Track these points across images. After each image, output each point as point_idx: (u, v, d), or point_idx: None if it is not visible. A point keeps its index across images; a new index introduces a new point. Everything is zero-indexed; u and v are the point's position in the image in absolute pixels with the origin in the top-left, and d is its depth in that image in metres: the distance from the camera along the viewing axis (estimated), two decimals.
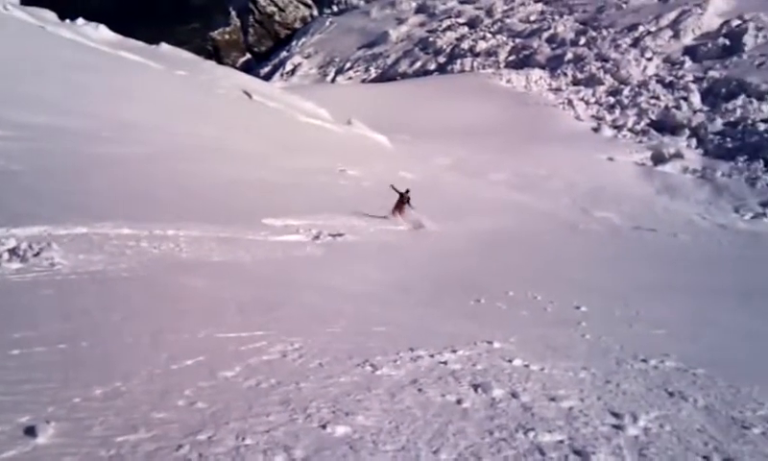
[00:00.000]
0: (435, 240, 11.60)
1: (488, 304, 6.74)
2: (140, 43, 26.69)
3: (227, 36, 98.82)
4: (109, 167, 10.24)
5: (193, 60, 27.38)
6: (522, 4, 59.59)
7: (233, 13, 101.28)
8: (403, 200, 12.92)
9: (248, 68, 77.62)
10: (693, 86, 35.30)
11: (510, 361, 4.15)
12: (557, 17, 52.14)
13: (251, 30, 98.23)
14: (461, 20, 60.42)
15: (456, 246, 11.34)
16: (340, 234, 9.76)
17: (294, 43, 78.80)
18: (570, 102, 37.59)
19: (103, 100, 16.13)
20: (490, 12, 59.51)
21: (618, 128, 33.74)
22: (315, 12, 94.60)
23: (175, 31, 74.77)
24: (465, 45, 53.33)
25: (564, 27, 49.38)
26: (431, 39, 57.80)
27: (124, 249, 6.18)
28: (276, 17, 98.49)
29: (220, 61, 66.29)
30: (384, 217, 12.38)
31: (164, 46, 27.55)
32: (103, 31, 26.14)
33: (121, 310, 4.20)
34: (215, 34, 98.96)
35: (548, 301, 7.18)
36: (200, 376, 3.16)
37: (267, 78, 65.41)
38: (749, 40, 37.61)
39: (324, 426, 2.75)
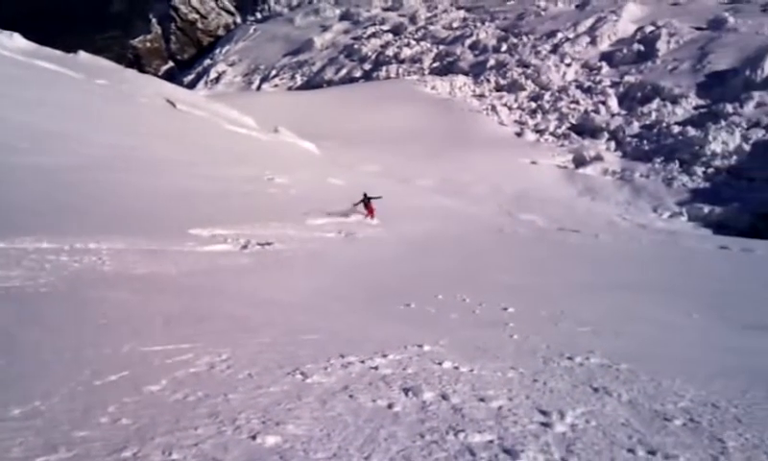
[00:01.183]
0: (364, 246, 11.61)
1: (418, 309, 6.78)
2: (57, 52, 25.81)
3: (148, 44, 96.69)
4: (28, 179, 9.86)
5: (113, 69, 26.65)
6: (445, 11, 60.47)
7: (154, 21, 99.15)
8: (366, 201, 14.46)
9: (171, 76, 76.16)
10: (610, 91, 36.50)
11: (440, 364, 4.17)
12: (479, 24, 53.07)
13: (172, 37, 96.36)
14: (385, 27, 60.84)
15: (386, 251, 11.38)
16: (269, 243, 9.65)
17: (217, 51, 77.76)
18: (494, 107, 38.30)
19: (19, 111, 15.51)
20: (413, 20, 60.13)
21: (540, 132, 34.57)
22: (238, 20, 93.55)
23: (93, 39, 72.75)
24: (389, 52, 53.71)
25: (486, 34, 50.31)
26: (356, 47, 58.00)
27: (43, 263, 5.96)
28: (199, 25, 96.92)
29: (141, 70, 64.82)
30: (345, 215, 13.91)
31: (82, 55, 26.72)
32: (17, 39, 25.15)
33: (40, 327, 4.04)
34: (136, 41, 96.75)
35: (477, 303, 7.27)
36: (124, 392, 3.06)
37: (191, 86, 64.40)
38: (662, 46, 39.16)
39: (253, 437, 2.70)
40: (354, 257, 10.41)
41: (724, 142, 27.56)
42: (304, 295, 6.98)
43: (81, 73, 22.34)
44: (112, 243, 7.35)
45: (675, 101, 32.90)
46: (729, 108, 29.95)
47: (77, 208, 9.13)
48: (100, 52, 37.77)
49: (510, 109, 38.36)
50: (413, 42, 54.21)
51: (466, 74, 44.52)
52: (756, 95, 30.05)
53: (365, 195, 14.56)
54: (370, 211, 14.50)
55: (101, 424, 2.69)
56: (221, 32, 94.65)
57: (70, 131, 15.07)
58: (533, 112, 37.12)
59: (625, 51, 40.45)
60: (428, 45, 52.72)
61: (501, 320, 6.45)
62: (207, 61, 76.74)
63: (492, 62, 44.58)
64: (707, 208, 23.84)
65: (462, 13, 58.67)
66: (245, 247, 9.27)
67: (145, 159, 14.10)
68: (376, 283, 8.29)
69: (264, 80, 60.74)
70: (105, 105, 18.82)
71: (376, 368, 3.94)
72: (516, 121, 36.76)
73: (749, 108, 29.57)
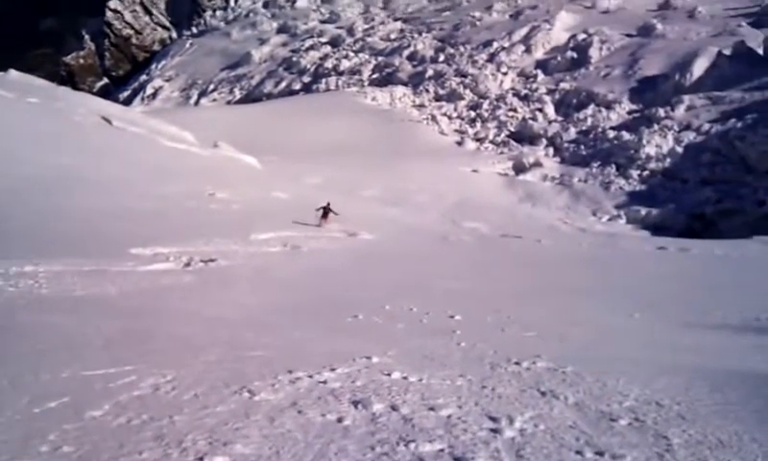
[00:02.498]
0: (310, 259, 11.54)
1: (365, 320, 6.76)
2: None
3: (81, 61, 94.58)
4: None
5: (46, 87, 25.96)
6: (382, 23, 60.84)
7: (87, 37, 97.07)
8: (327, 210, 15.08)
9: (106, 93, 74.64)
10: (547, 98, 37.23)
11: (389, 375, 4.16)
12: (416, 35, 53.50)
13: (107, 54, 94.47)
14: (323, 40, 60.84)
15: (331, 263, 11.34)
16: (212, 260, 9.50)
17: (153, 66, 76.54)
18: (434, 117, 38.64)
19: None
20: (351, 32, 60.30)
21: (480, 140, 35.00)
22: (174, 35, 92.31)
23: (24, 56, 70.91)
24: (328, 64, 53.70)
25: (424, 44, 50.75)
26: (294, 59, 57.83)
27: None
28: (134, 40, 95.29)
29: (75, 87, 63.31)
30: (317, 226, 14.73)
31: (13, 73, 25.95)
32: None
33: None
34: (68, 58, 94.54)
35: (423, 312, 7.30)
36: (65, 418, 2.95)
37: (127, 102, 63.22)
38: (594, 53, 40.17)
39: (200, 459, 2.64)
40: (300, 271, 10.33)
41: (657, 145, 28.37)
42: (250, 311, 6.89)
43: (12, 92, 21.69)
44: (50, 265, 7.14)
45: (609, 106, 33.75)
46: (661, 112, 30.87)
47: (11, 231, 8.84)
48: (32, 70, 36.78)
49: (449, 118, 38.75)
50: (351, 54, 54.36)
51: (405, 85, 44.82)
52: (687, 99, 31.04)
53: (328, 204, 15.37)
54: (326, 219, 15.19)
55: (41, 454, 2.59)
56: (156, 47, 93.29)
57: (2, 151, 14.61)
58: (472, 121, 37.57)
59: (559, 59, 41.36)
60: (367, 57, 52.91)
61: (448, 328, 6.48)
62: (143, 77, 75.50)
63: (430, 73, 45.00)
64: (644, 211, 24.48)
65: (399, 25, 59.10)
66: (188, 264, 9.10)
67: (82, 179, 13.75)
68: (323, 296, 8.25)
69: (202, 94, 60.00)
70: (38, 124, 18.31)
71: (325, 382, 3.91)
72: (455, 130, 37.13)
73: (680, 111, 30.54)
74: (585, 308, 8.69)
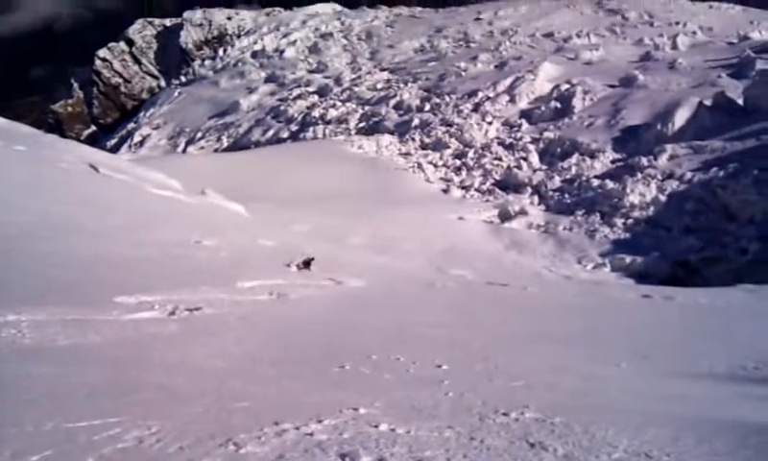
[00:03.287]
0: (297, 307, 11.50)
1: (352, 370, 6.71)
2: None
3: (69, 109, 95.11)
4: None
5: (33, 134, 25.94)
6: (369, 73, 61.66)
7: (76, 85, 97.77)
8: (308, 263, 14.90)
9: (93, 141, 74.93)
10: (531, 147, 37.63)
11: (376, 426, 4.13)
12: (402, 85, 54.21)
13: (95, 102, 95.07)
14: (311, 89, 61.49)
15: (318, 311, 11.29)
16: (198, 308, 9.43)
17: (141, 114, 76.95)
18: (420, 165, 38.90)
19: None
20: (338, 81, 61.02)
21: (466, 188, 35.21)
22: (162, 83, 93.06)
23: (12, 104, 71.21)
24: (316, 113, 54.17)
25: (410, 94, 51.37)
26: (282, 108, 58.32)
27: None
28: (122, 88, 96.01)
29: (63, 135, 63.46)
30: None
31: (0, 120, 25.99)
32: None
33: None
34: (57, 106, 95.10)
35: (411, 361, 7.25)
36: None
37: (114, 150, 63.43)
38: (577, 103, 40.79)
39: None
40: (287, 319, 10.28)
41: (641, 194, 28.63)
42: (236, 360, 6.83)
43: None
44: (33, 314, 7.06)
45: (593, 155, 34.14)
46: (644, 160, 31.24)
47: None
48: (19, 118, 36.82)
49: (435, 166, 39.05)
50: (338, 103, 54.95)
51: (391, 133, 45.28)
52: (669, 148, 31.47)
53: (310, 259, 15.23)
54: (308, 269, 15.01)
55: None
56: (145, 95, 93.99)
57: None
58: (458, 169, 37.87)
59: (543, 108, 41.95)
60: (354, 106, 53.51)
61: (436, 377, 6.45)
62: (131, 125, 75.80)
63: (416, 122, 45.49)
64: (628, 259, 24.59)
65: (385, 75, 59.89)
66: (173, 313, 9.02)
67: (67, 226, 13.69)
68: (310, 345, 8.20)
69: (190, 142, 60.21)
70: (24, 171, 18.27)
71: (311, 434, 3.87)
72: (441, 178, 37.40)
73: (662, 160, 30.92)
74: (572, 357, 8.67)
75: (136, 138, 67.51)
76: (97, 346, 6.54)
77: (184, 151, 58.26)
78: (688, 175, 28.99)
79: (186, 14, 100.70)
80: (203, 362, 6.52)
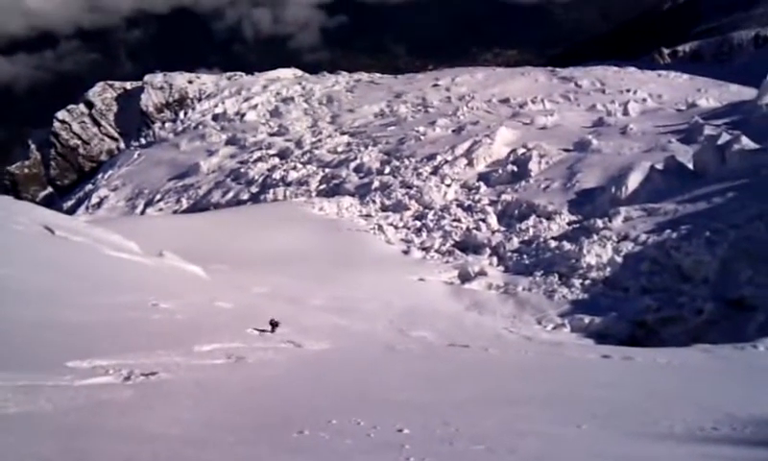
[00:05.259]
0: (255, 370, 11.31)
1: (311, 436, 6.60)
2: None
3: (26, 170, 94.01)
4: None
5: None
6: (329, 136, 62.24)
7: (33, 147, 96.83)
8: (273, 325, 14.66)
9: (50, 202, 73.93)
10: (489, 209, 38.11)
11: None
12: (362, 148, 54.75)
13: (52, 163, 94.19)
14: (271, 152, 61.72)
15: (276, 375, 11.12)
16: (153, 373, 9.22)
17: (100, 176, 76.29)
18: (380, 227, 39.05)
19: None
20: (299, 144, 61.43)
21: (426, 249, 35.36)
22: (122, 145, 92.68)
23: None
24: (276, 175, 54.25)
25: (370, 157, 51.86)
26: (243, 170, 58.34)
27: None
28: (81, 150, 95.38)
29: (18, 196, 62.47)
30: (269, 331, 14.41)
31: None
32: None
33: None
34: (13, 167, 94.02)
35: (371, 426, 7.17)
36: None
37: (71, 211, 62.58)
38: (534, 166, 41.59)
39: None
40: (244, 383, 10.10)
41: (597, 255, 29.05)
42: (192, 427, 6.67)
43: None
44: None
45: (549, 217, 34.69)
46: (599, 222, 31.81)
47: None
48: None
49: (396, 227, 39.26)
50: (299, 166, 55.24)
51: (352, 195, 45.57)
52: (623, 210, 32.13)
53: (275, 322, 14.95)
54: (273, 332, 14.80)
55: None
56: (104, 157, 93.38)
57: None
58: (418, 231, 38.12)
59: (500, 171, 42.67)
60: (314, 168, 53.83)
61: (397, 442, 6.38)
62: (89, 187, 75.03)
63: (376, 184, 45.89)
64: (587, 319, 24.80)
65: (346, 138, 60.48)
66: (128, 378, 8.80)
67: (18, 290, 13.36)
68: (268, 410, 8.05)
69: (148, 204, 59.68)
70: None
71: None
72: (402, 239, 37.56)
73: (617, 222, 31.52)
74: (533, 419, 8.66)
75: (94, 200, 66.74)
76: (49, 413, 6.35)
77: (143, 213, 57.70)
78: (643, 236, 29.58)
79: (147, 77, 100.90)
80: (158, 430, 6.36)
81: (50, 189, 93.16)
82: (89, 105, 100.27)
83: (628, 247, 29.44)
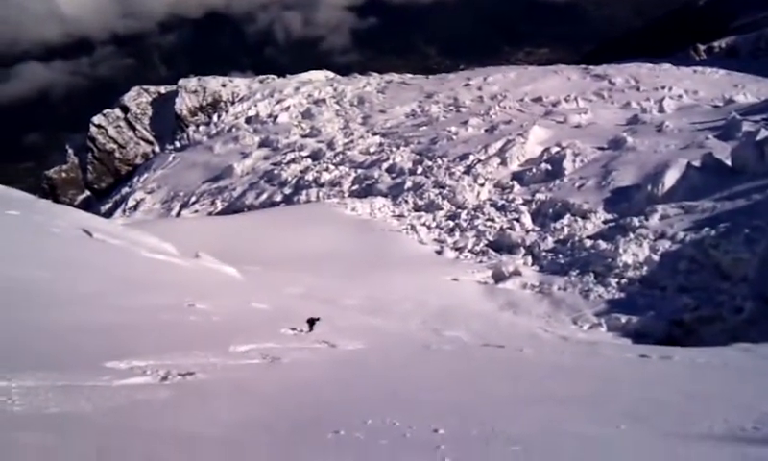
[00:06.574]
0: (290, 371, 11.34)
1: (346, 436, 6.59)
2: None
3: (64, 174, 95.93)
4: None
5: (26, 199, 26.00)
6: (361, 137, 62.38)
7: (70, 151, 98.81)
8: (311, 323, 14.73)
9: (87, 206, 75.30)
10: (523, 208, 37.85)
11: None
12: (394, 149, 54.78)
13: (89, 167, 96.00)
14: (304, 153, 62.06)
15: (311, 375, 11.13)
16: (190, 373, 9.29)
17: (136, 179, 77.46)
18: (413, 227, 39.03)
19: None
20: (331, 145, 61.65)
21: (459, 249, 35.24)
22: (157, 148, 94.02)
23: (6, 170, 71.79)
24: (309, 177, 54.53)
25: (402, 157, 51.88)
26: (276, 172, 58.70)
27: None
28: (117, 154, 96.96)
29: (57, 200, 63.74)
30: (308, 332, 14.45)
31: None
32: None
33: None
34: (51, 172, 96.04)
35: (407, 426, 7.12)
36: None
37: (108, 215, 63.68)
38: (568, 165, 41.20)
39: None
40: (280, 384, 10.13)
41: (634, 254, 28.68)
42: (228, 428, 6.70)
43: None
44: (23, 381, 6.93)
45: (584, 216, 34.32)
46: (635, 221, 31.40)
47: None
48: (13, 183, 36.96)
49: (429, 228, 39.19)
50: (332, 167, 55.43)
51: (384, 196, 45.59)
52: (660, 208, 31.67)
53: (315, 319, 15.04)
54: (311, 330, 14.88)
55: None
56: (139, 160, 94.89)
57: None
58: (451, 231, 37.99)
59: (534, 170, 42.35)
60: (346, 169, 53.98)
61: (432, 442, 6.33)
62: (125, 190, 76.18)
63: (408, 184, 45.86)
64: (624, 318, 24.48)
65: (378, 139, 60.55)
66: (165, 378, 8.87)
67: (59, 292, 13.59)
68: (303, 410, 8.06)
69: (184, 206, 60.42)
70: (17, 236, 18.24)
71: None
72: (435, 239, 37.46)
73: (654, 220, 31.09)
74: (570, 419, 8.54)
75: (130, 203, 67.73)
76: (88, 413, 6.42)
77: (178, 215, 58.40)
78: (680, 234, 29.12)
79: (181, 82, 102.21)
80: (195, 429, 6.40)
81: (87, 193, 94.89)
82: (125, 109, 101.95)
83: (665, 245, 29.01)
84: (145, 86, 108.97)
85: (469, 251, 34.88)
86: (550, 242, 33.14)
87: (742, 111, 45.03)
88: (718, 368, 15.61)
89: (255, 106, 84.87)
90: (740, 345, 19.15)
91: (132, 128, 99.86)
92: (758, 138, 33.86)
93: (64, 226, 22.05)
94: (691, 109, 52.47)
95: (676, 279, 26.81)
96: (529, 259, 32.33)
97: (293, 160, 60.55)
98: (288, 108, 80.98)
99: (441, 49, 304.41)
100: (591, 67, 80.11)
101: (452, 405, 9.29)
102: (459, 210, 40.22)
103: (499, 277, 30.33)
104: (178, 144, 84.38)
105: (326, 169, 55.01)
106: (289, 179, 56.28)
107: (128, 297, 14.95)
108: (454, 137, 53.75)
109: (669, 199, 32.61)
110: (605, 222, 33.42)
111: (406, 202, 43.27)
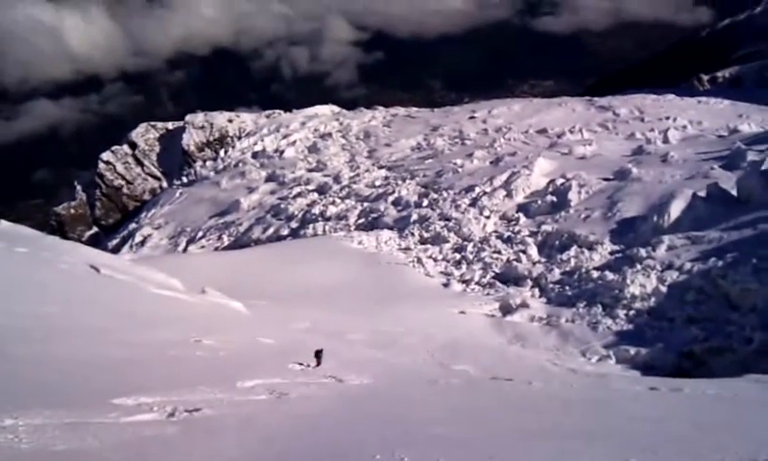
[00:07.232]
0: (297, 406, 11.30)
1: None
2: None
3: (72, 211, 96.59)
4: None
5: (35, 236, 26.14)
6: (367, 170, 62.68)
7: (79, 188, 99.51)
8: (318, 356, 14.91)
9: (95, 242, 75.64)
10: (529, 240, 37.80)
11: None
12: (400, 182, 55.00)
13: (97, 203, 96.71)
14: (310, 187, 62.34)
15: (318, 411, 11.10)
16: (197, 409, 9.27)
17: (143, 215, 77.91)
18: (420, 260, 39.01)
19: None
20: (337, 179, 61.95)
21: (466, 282, 35.15)
22: (164, 184, 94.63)
23: (15, 207, 72.32)
24: (315, 210, 54.73)
25: (408, 190, 52.07)
26: (282, 206, 58.96)
27: None
28: (125, 190, 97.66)
29: (65, 236, 64.08)
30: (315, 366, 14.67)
31: (3, 223, 26.23)
32: None
33: None
34: (59, 208, 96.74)
35: (415, 460, 7.10)
36: None
37: (116, 250, 63.91)
38: (573, 196, 41.21)
39: None
40: (287, 419, 10.09)
41: (641, 285, 28.55)
42: None
43: (0, 242, 21.85)
44: (30, 418, 6.94)
45: (591, 247, 34.24)
46: (642, 252, 31.30)
47: None
48: (22, 220, 37.23)
49: (435, 260, 39.16)
50: (338, 200, 55.65)
51: (390, 229, 45.66)
52: (666, 239, 31.58)
53: (320, 350, 15.17)
54: (319, 364, 15.00)
55: None
56: (147, 196, 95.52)
57: None
58: (457, 263, 37.94)
59: (539, 202, 42.38)
60: (353, 203, 54.18)
61: None
62: (133, 225, 76.57)
63: (414, 217, 45.95)
64: (633, 350, 24.31)
65: (383, 172, 60.85)
66: (172, 415, 8.87)
67: (65, 328, 13.62)
68: (311, 445, 8.03)
69: (191, 241, 60.61)
70: (24, 273, 18.33)
71: None
72: (441, 272, 37.40)
73: (661, 251, 30.98)
74: (579, 453, 8.47)
75: (138, 238, 68.06)
76: (95, 450, 6.42)
77: (185, 250, 58.57)
78: (687, 265, 29.01)
79: (188, 117, 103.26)
80: None
81: (95, 229, 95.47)
82: (133, 145, 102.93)
83: (672, 276, 28.89)
84: (153, 123, 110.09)
85: (476, 283, 34.79)
86: (557, 274, 33.04)
87: (747, 141, 45.07)
88: (729, 400, 15.47)
89: (262, 141, 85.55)
90: (751, 376, 18.99)
91: (140, 163, 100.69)
92: (763, 168, 33.88)
93: (72, 262, 22.15)
94: (696, 140, 52.57)
95: (684, 310, 26.65)
96: (536, 291, 32.22)
97: (299, 194, 60.84)
98: (294, 142, 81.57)
99: (445, 82, 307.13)
100: (596, 99, 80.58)
101: (460, 440, 9.24)
102: (465, 243, 40.19)
103: (507, 309, 30.21)
104: (185, 179, 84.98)
105: (333, 203, 55.23)
106: (295, 213, 56.50)
107: (135, 332, 14.96)
108: (459, 170, 53.94)
109: (675, 229, 32.53)
110: (611, 253, 33.33)
111: (412, 234, 43.32)
